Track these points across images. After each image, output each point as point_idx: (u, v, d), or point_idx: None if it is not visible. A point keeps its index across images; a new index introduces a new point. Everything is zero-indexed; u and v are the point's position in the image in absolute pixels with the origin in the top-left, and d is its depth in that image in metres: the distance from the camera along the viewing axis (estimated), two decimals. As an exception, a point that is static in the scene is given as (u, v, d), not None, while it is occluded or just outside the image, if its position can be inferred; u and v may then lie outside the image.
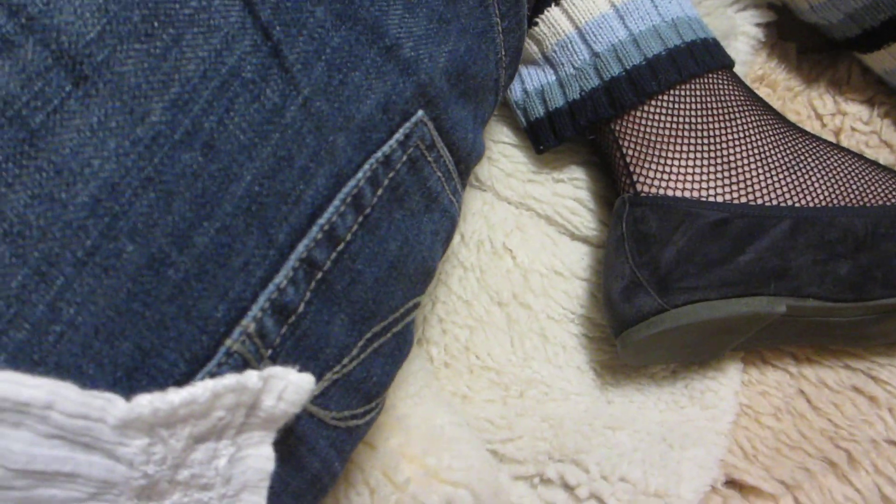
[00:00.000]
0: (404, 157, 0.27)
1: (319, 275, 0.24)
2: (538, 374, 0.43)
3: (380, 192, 0.26)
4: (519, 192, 0.46)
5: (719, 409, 0.44)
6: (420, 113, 0.27)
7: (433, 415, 0.40)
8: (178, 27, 0.20)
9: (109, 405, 0.18)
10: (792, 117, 0.50)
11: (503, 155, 0.46)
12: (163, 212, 0.20)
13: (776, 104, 0.50)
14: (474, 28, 0.29)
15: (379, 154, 0.26)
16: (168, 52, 0.20)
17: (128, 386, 0.20)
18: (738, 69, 0.49)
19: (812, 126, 0.50)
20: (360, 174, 0.25)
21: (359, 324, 0.27)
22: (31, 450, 0.17)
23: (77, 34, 0.19)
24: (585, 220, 0.46)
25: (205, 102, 0.21)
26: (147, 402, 0.19)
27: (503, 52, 0.32)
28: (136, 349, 0.20)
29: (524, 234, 0.45)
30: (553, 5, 0.43)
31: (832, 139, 0.50)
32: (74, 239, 0.19)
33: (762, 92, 0.50)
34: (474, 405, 0.43)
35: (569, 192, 0.46)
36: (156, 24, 0.20)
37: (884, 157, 0.50)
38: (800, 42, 0.53)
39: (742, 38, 0.48)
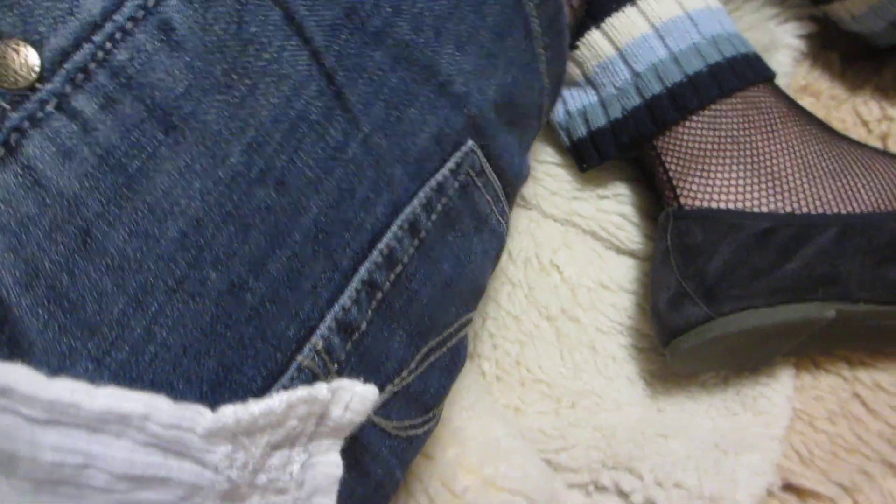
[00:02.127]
0: (456, 184, 0.29)
1: (380, 295, 0.26)
2: (589, 386, 0.45)
3: (434, 216, 0.28)
4: (564, 209, 0.47)
5: (772, 415, 0.44)
6: (470, 142, 0.29)
7: (488, 427, 0.42)
8: (254, 77, 0.23)
9: (198, 416, 0.21)
10: (837, 126, 0.50)
11: (548, 174, 0.48)
12: (241, 243, 0.22)
13: (820, 113, 0.50)
14: (520, 60, 0.31)
15: (433, 182, 0.28)
16: (244, 100, 0.22)
17: (213, 399, 0.22)
18: (780, 81, 0.50)
19: (858, 133, 0.50)
20: (415, 201, 0.27)
21: (416, 339, 0.29)
22: (131, 456, 0.20)
23: (168, 89, 0.21)
24: (631, 234, 0.47)
25: (276, 144, 0.23)
26: (231, 413, 0.21)
27: (546, 81, 0.34)
28: (220, 366, 0.22)
29: (570, 251, 0.47)
30: (593, 28, 0.45)
31: (879, 145, 0.50)
32: (166, 269, 0.21)
33: (806, 102, 0.51)
34: (527, 417, 0.44)
35: (613, 208, 0.47)
36: (234, 76, 0.22)
37: (933, 161, 0.49)
38: (843, 51, 0.53)
39: (784, 50, 0.49)
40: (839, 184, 0.42)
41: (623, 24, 0.44)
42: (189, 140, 0.22)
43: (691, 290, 0.41)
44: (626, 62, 0.44)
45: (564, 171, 0.48)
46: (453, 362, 0.32)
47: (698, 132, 0.44)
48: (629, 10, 0.44)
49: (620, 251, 0.47)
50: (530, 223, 0.48)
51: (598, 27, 0.45)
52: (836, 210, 0.42)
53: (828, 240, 0.40)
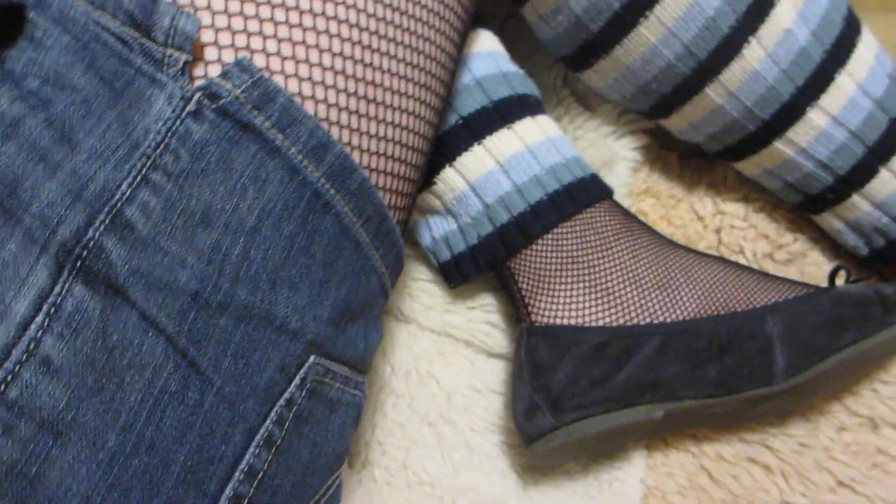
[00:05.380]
0: (303, 392, 0.33)
1: (246, 501, 0.31)
2: (468, 483, 0.50)
3: (287, 424, 0.33)
4: (438, 321, 0.53)
5: (626, 496, 0.50)
6: (312, 358, 0.33)
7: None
8: (120, 374, 0.27)
9: None
10: (676, 222, 0.57)
11: (422, 290, 0.54)
12: (123, 502, 0.27)
13: (660, 212, 0.57)
14: (352, 270, 0.35)
15: (281, 401, 0.32)
16: (115, 395, 0.27)
17: None
18: (621, 190, 0.56)
19: (695, 228, 0.57)
20: (268, 422, 0.32)
21: None
22: None
23: (52, 407, 0.26)
24: (499, 340, 0.53)
25: (144, 419, 0.28)
26: None
27: (384, 268, 0.38)
28: None
29: (445, 360, 0.53)
30: (447, 166, 0.50)
31: (714, 237, 0.57)
32: None
33: (647, 203, 0.57)
34: (416, 515, 0.50)
35: (482, 318, 0.53)
36: (104, 380, 0.27)
37: (761, 248, 0.56)
38: (682, 149, 0.60)
39: (622, 162, 0.55)
40: (664, 294, 0.49)
41: (472, 161, 0.50)
42: (74, 439, 0.26)
43: (541, 401, 0.47)
44: (477, 195, 0.50)
45: (436, 287, 0.54)
46: None
47: (544, 254, 0.50)
48: (477, 149, 0.50)
49: (490, 355, 0.53)
50: (409, 337, 0.53)
51: (451, 165, 0.50)
52: (661, 319, 0.48)
53: (652, 349, 0.47)
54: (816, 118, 0.50)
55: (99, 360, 0.27)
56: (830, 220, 0.55)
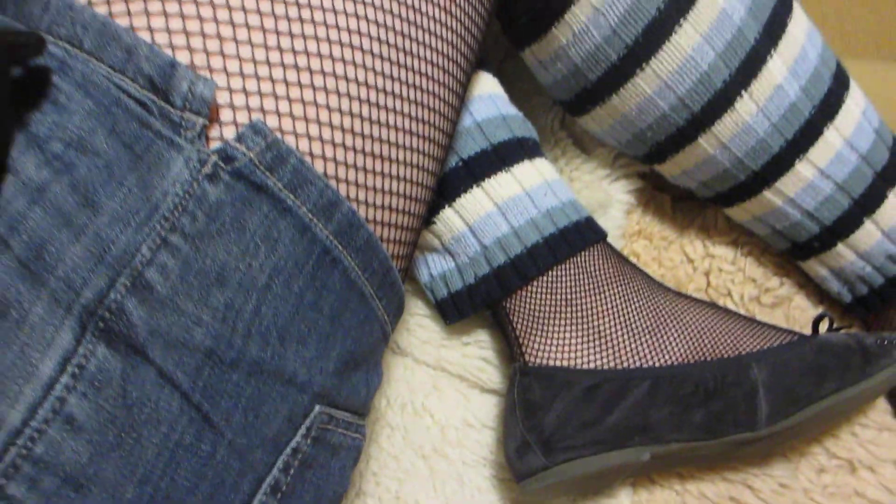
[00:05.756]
0: (308, 441, 0.34)
1: None
2: (458, 516, 0.52)
3: (292, 472, 0.34)
4: (434, 356, 0.54)
5: (612, 533, 0.52)
6: (317, 408, 0.35)
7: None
8: (139, 430, 0.29)
9: None
10: (667, 264, 0.58)
11: (419, 325, 0.55)
12: None
13: (652, 253, 0.59)
14: (357, 321, 0.36)
15: (288, 450, 0.33)
16: (133, 449, 0.28)
17: None
18: (615, 231, 0.58)
19: (685, 270, 0.59)
20: (275, 470, 0.33)
21: None
22: None
23: (75, 462, 0.27)
24: (492, 375, 0.54)
25: (161, 471, 0.29)
26: None
27: (386, 317, 0.39)
28: None
29: (440, 394, 0.54)
30: (447, 207, 0.52)
31: (703, 279, 0.59)
32: None
33: (640, 244, 0.59)
34: (407, 547, 0.51)
35: (476, 353, 0.55)
36: (123, 435, 0.28)
37: (749, 291, 0.58)
38: (674, 192, 0.61)
39: (617, 205, 0.57)
40: (654, 338, 0.50)
41: (471, 203, 0.51)
42: (94, 492, 0.28)
43: (533, 441, 0.48)
44: (475, 236, 0.52)
45: (433, 322, 0.55)
46: None
47: (538, 295, 0.51)
48: (476, 191, 0.51)
49: (483, 390, 0.55)
50: (405, 370, 0.55)
51: (450, 206, 0.52)
52: (650, 363, 0.50)
53: (641, 393, 0.48)
54: (804, 170, 0.51)
55: (119, 416, 0.28)
56: (816, 267, 0.57)
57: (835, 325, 0.53)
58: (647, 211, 0.60)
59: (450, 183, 0.52)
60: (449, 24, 0.40)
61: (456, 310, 0.53)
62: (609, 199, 0.57)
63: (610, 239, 0.57)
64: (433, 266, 0.54)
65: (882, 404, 0.56)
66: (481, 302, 0.52)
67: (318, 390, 0.34)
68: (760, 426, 0.48)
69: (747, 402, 0.48)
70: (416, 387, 0.54)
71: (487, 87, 0.54)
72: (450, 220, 0.52)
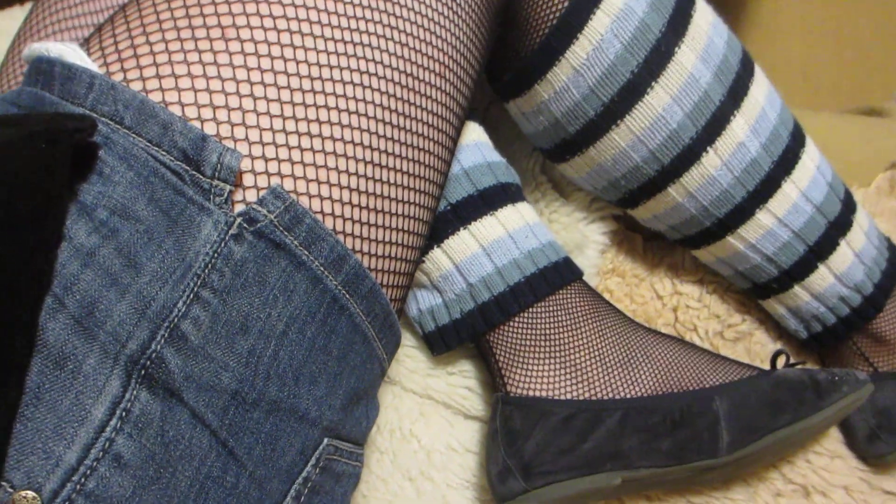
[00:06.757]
0: (317, 470, 0.38)
1: None
2: (443, 535, 0.55)
3: (302, 499, 0.37)
4: (421, 384, 0.58)
5: (585, 552, 0.56)
6: (325, 441, 0.38)
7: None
8: (174, 465, 0.32)
9: None
10: (638, 300, 0.63)
11: (407, 356, 0.59)
12: None
13: (625, 290, 0.63)
14: (361, 359, 0.40)
15: (299, 479, 0.37)
16: (170, 482, 0.32)
17: None
18: (590, 270, 0.62)
19: (654, 306, 0.63)
20: (288, 498, 0.36)
21: None
22: None
23: (120, 496, 0.30)
24: (475, 403, 0.58)
25: (192, 502, 0.32)
26: None
27: (384, 354, 0.43)
28: None
29: (426, 420, 0.58)
30: (435, 247, 0.56)
31: (671, 314, 0.63)
32: None
33: (613, 281, 0.63)
34: (394, 564, 0.55)
35: (460, 382, 0.59)
36: (161, 470, 0.31)
37: (713, 327, 0.63)
38: (646, 232, 0.66)
39: (592, 245, 0.61)
40: (626, 372, 0.55)
41: (458, 244, 0.55)
42: None
43: (513, 466, 0.52)
44: (461, 274, 0.56)
45: (420, 353, 0.59)
46: None
47: (519, 330, 0.55)
48: (463, 234, 0.55)
49: (467, 417, 0.59)
50: (394, 398, 0.58)
51: (439, 246, 0.56)
52: (622, 395, 0.54)
53: (614, 422, 0.53)
54: (764, 219, 0.56)
55: (158, 453, 0.31)
56: (775, 306, 0.61)
57: (791, 361, 0.58)
58: (620, 251, 0.64)
59: (439, 225, 0.56)
60: (443, 88, 0.45)
61: (442, 342, 0.57)
62: (585, 239, 0.61)
63: (586, 276, 0.62)
64: (422, 301, 0.58)
65: (835, 433, 0.61)
66: (466, 335, 0.56)
67: (327, 424, 0.38)
68: (722, 454, 0.53)
69: (710, 431, 0.53)
70: (404, 413, 0.58)
71: (474, 136, 0.59)
72: (438, 259, 0.56)
